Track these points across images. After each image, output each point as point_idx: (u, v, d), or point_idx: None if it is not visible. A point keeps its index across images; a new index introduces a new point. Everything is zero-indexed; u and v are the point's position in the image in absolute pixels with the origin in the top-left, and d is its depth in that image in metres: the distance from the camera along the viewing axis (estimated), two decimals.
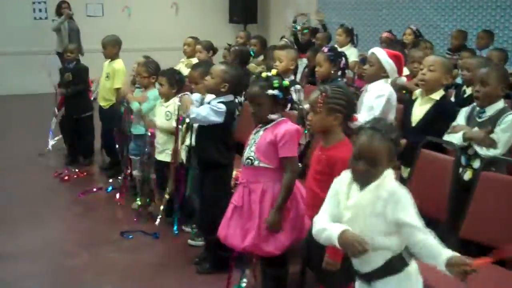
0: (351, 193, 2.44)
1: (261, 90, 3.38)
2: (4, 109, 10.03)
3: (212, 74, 4.00)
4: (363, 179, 2.40)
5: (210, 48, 6.66)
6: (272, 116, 3.40)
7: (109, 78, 6.38)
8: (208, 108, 3.89)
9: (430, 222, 2.50)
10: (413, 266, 2.42)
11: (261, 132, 3.43)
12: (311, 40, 8.55)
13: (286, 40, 7.27)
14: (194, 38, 7.08)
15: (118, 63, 6.37)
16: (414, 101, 4.12)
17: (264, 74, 3.45)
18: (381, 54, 4.30)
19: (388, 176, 2.38)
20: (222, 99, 3.96)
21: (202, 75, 4.34)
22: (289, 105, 3.64)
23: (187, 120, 4.30)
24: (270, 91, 3.35)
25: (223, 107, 3.89)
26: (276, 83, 3.36)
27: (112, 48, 6.41)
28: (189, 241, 4.61)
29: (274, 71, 3.53)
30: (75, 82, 6.73)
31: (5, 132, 8.30)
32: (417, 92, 4.16)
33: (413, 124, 4.02)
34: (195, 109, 3.90)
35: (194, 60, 6.72)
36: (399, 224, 2.31)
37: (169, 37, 11.57)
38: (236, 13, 12.64)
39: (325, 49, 4.84)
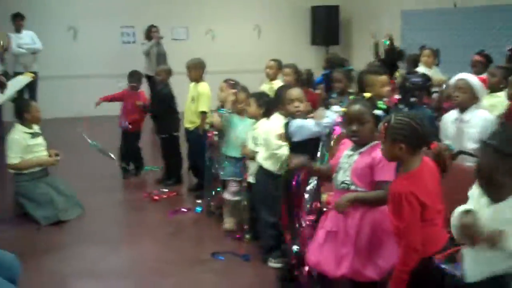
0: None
1: (366, 108, 3.33)
2: (93, 130, 10.37)
3: (303, 100, 4.18)
4: (494, 198, 2.39)
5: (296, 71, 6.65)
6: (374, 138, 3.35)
7: (194, 101, 6.47)
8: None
9: None
10: None
11: (355, 157, 3.36)
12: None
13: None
14: (277, 61, 7.09)
15: (203, 86, 6.45)
16: None
17: (367, 95, 3.44)
18: (474, 80, 4.22)
19: None
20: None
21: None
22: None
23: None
24: (376, 111, 3.31)
25: None
26: (381, 104, 3.34)
27: (196, 71, 6.52)
28: (269, 263, 4.60)
29: (367, 94, 3.48)
30: (159, 105, 6.94)
31: (96, 153, 8.56)
32: None
33: None
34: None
35: (277, 83, 6.73)
36: None
37: (251, 59, 11.70)
38: (318, 35, 12.65)
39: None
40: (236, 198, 5.26)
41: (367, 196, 3.27)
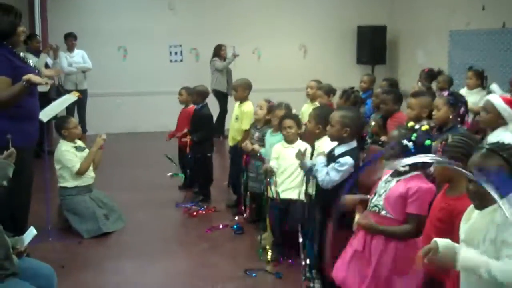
0: (472, 215, 2.47)
1: (398, 136, 3.38)
2: (141, 145, 10.67)
3: (332, 122, 4.07)
4: (477, 201, 2.40)
5: (330, 92, 6.66)
6: (401, 168, 3.35)
7: (238, 119, 6.57)
8: (334, 171, 3.94)
9: None
10: None
11: (393, 183, 3.38)
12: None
13: (419, 85, 7.08)
14: (317, 81, 7.12)
15: (247, 106, 6.55)
16: None
17: (410, 124, 3.43)
18: (497, 101, 4.18)
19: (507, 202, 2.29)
20: (345, 147, 4.01)
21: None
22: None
23: None
24: (405, 142, 3.31)
25: (347, 162, 3.92)
26: (414, 136, 3.32)
27: (242, 91, 6.63)
28: (307, 283, 4.57)
29: (425, 127, 3.46)
30: (198, 128, 6.99)
31: (139, 167, 8.76)
32: None
33: None
34: (322, 175, 3.98)
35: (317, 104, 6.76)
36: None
37: (297, 78, 11.73)
38: (364, 54, 12.62)
39: (445, 93, 4.70)
40: None
41: (391, 231, 3.29)
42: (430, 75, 8.28)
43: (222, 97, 11.16)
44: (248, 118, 6.45)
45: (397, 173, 3.39)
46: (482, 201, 2.37)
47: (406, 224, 3.27)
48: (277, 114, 5.50)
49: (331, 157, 4.07)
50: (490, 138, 4.07)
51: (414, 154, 3.28)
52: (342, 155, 3.97)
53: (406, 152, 3.29)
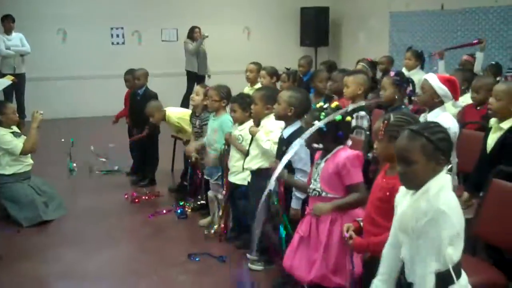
0: (403, 202, 2.48)
1: (310, 119, 3.42)
2: (81, 131, 10.42)
3: (279, 100, 4.11)
4: (406, 183, 2.44)
5: (274, 74, 6.67)
6: (315, 145, 3.41)
7: None
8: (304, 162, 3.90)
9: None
10: (461, 283, 2.36)
11: (322, 164, 3.43)
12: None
13: (363, 64, 7.13)
14: (257, 64, 7.10)
15: None
16: (490, 129, 4.03)
17: (319, 105, 3.46)
18: (433, 80, 4.24)
19: (435, 186, 2.33)
20: (291, 128, 4.03)
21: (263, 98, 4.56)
22: (349, 140, 3.51)
23: None
24: (316, 122, 3.30)
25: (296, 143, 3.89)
26: (322, 115, 3.34)
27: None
28: (249, 265, 4.60)
29: (334, 104, 3.50)
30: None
31: (79, 153, 8.55)
32: (492, 120, 4.06)
33: (487, 152, 3.96)
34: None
35: (258, 86, 6.73)
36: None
37: (241, 60, 11.64)
38: (308, 36, 12.69)
39: (392, 73, 4.78)
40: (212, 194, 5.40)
41: (345, 202, 3.31)
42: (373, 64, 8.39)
43: (192, 78, 11.12)
44: None
45: (323, 154, 3.44)
46: (410, 182, 2.41)
47: (353, 194, 3.30)
48: (210, 94, 5.43)
49: (282, 141, 4.11)
50: (429, 117, 4.16)
51: (327, 133, 3.34)
52: (290, 137, 3.96)
53: (320, 133, 3.32)
